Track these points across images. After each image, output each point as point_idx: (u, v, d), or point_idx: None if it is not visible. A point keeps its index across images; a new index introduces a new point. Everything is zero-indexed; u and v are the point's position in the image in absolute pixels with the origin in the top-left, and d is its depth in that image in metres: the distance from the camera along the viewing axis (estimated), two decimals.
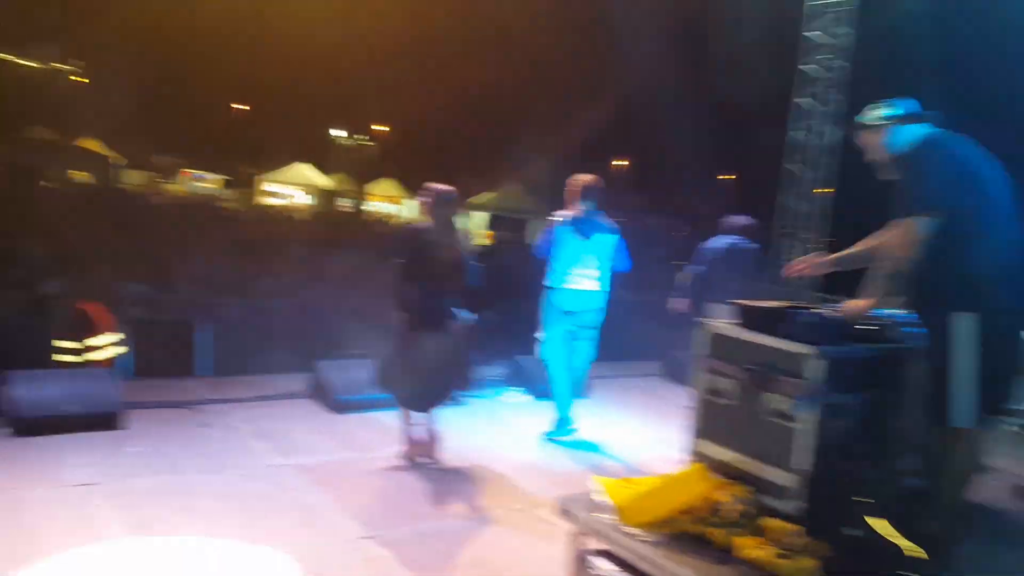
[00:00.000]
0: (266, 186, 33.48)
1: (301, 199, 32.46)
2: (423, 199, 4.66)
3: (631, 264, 5.66)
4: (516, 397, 6.29)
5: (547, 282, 5.47)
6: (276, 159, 33.79)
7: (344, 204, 30.42)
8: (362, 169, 31.02)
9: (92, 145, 28.38)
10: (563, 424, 5.45)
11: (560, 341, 5.48)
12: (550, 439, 5.43)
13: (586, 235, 5.42)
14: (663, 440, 5.55)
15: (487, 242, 23.80)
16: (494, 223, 26.56)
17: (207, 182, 35.60)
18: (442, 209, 4.57)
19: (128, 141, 33.00)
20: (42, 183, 21.33)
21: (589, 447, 5.35)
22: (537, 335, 5.57)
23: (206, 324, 8.32)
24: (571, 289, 5.38)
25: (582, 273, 5.40)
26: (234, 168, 37.77)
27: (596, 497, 3.58)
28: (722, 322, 3.85)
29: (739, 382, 3.67)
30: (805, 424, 3.45)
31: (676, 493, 3.72)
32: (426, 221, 4.60)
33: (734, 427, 3.79)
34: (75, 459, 4.15)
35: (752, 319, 3.68)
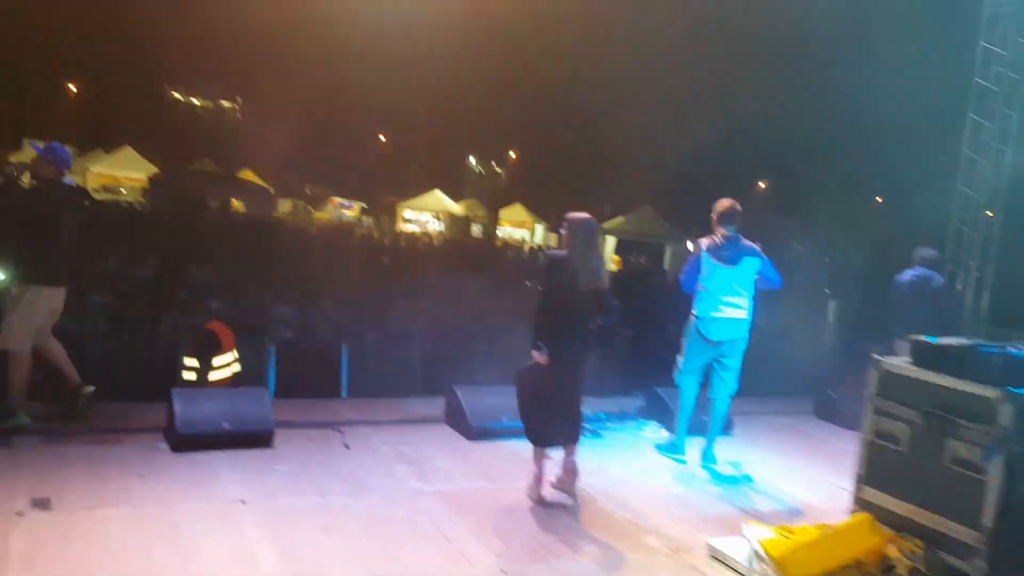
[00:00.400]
0: (406, 212, 34.89)
1: (435, 225, 33.54)
2: (562, 229, 4.57)
3: (781, 280, 5.37)
4: (655, 431, 6.04)
5: (692, 310, 5.29)
6: (415, 186, 35.23)
7: (476, 230, 31.12)
8: (493, 195, 31.66)
9: (250, 176, 30.68)
10: (676, 448, 5.43)
11: (699, 370, 5.33)
12: (658, 449, 5.52)
13: (731, 261, 5.19)
14: (818, 485, 5.17)
15: (614, 268, 23.53)
16: (621, 248, 26.23)
17: (352, 210, 37.55)
18: (581, 239, 4.45)
19: (281, 172, 35.51)
20: (206, 212, 23.27)
21: (735, 486, 5.04)
22: (677, 363, 5.38)
23: (346, 346, 8.63)
24: (717, 317, 5.17)
25: (728, 301, 5.17)
26: (377, 195, 39.67)
27: (752, 546, 3.32)
28: (897, 360, 3.49)
29: (915, 426, 3.31)
30: (994, 476, 3.05)
31: (842, 546, 3.41)
32: (565, 251, 4.50)
33: (908, 475, 3.43)
34: (229, 475, 4.34)
35: (932, 357, 3.31)
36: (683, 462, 5.37)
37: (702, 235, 5.45)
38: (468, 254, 20.66)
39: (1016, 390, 3.06)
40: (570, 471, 4.44)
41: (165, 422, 4.77)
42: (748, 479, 5.17)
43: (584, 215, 4.53)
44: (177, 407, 4.69)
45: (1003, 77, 8.95)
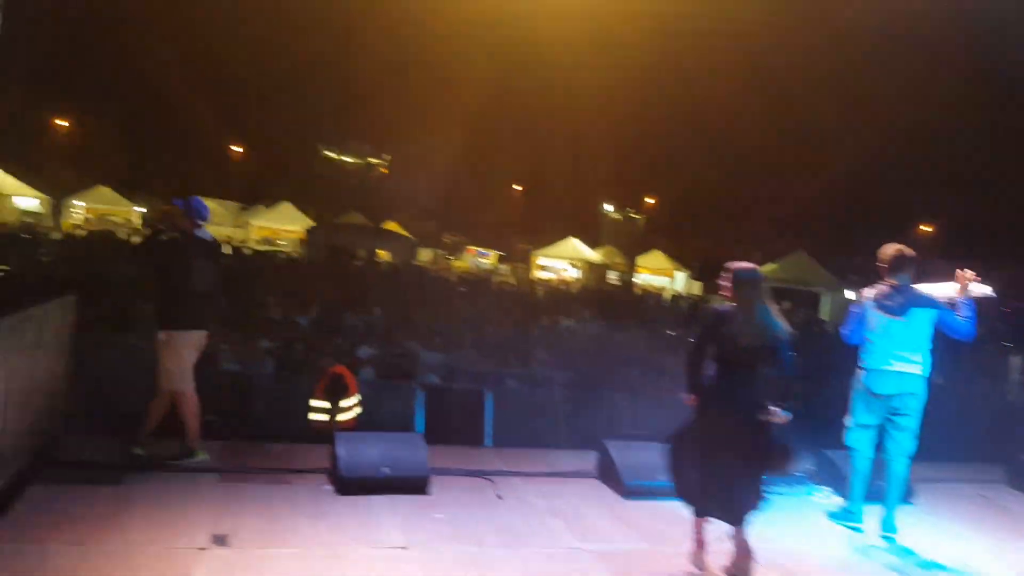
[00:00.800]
0: (541, 260, 35.31)
1: (571, 272, 33.65)
2: (723, 281, 4.30)
3: (970, 330, 4.77)
4: (826, 497, 5.56)
5: (859, 363, 4.90)
6: (550, 234, 35.64)
7: (613, 277, 30.93)
8: (631, 241, 31.44)
9: (394, 227, 32.23)
10: (851, 515, 5.02)
11: (870, 428, 4.93)
12: (831, 517, 5.12)
13: (901, 312, 4.77)
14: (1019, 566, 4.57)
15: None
16: (774, 296, 25.05)
17: (489, 258, 38.51)
18: (746, 289, 4.18)
19: (422, 222, 37.07)
20: (355, 261, 24.58)
21: (921, 564, 4.54)
22: (846, 421, 4.98)
23: (491, 393, 8.67)
24: (886, 371, 4.78)
25: (898, 354, 4.77)
26: (512, 244, 40.48)
27: None
28: None
29: None
30: None
31: None
32: (729, 304, 4.17)
33: None
34: (391, 520, 4.42)
35: None
36: (860, 531, 4.92)
37: (868, 285, 5.08)
38: (605, 301, 20.51)
39: None
40: (741, 551, 3.92)
41: (329, 464, 4.95)
42: (932, 561, 4.62)
43: (747, 264, 4.23)
44: (340, 451, 4.86)
45: None
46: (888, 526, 4.82)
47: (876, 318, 4.85)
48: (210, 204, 5.83)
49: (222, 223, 27.05)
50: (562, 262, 35.17)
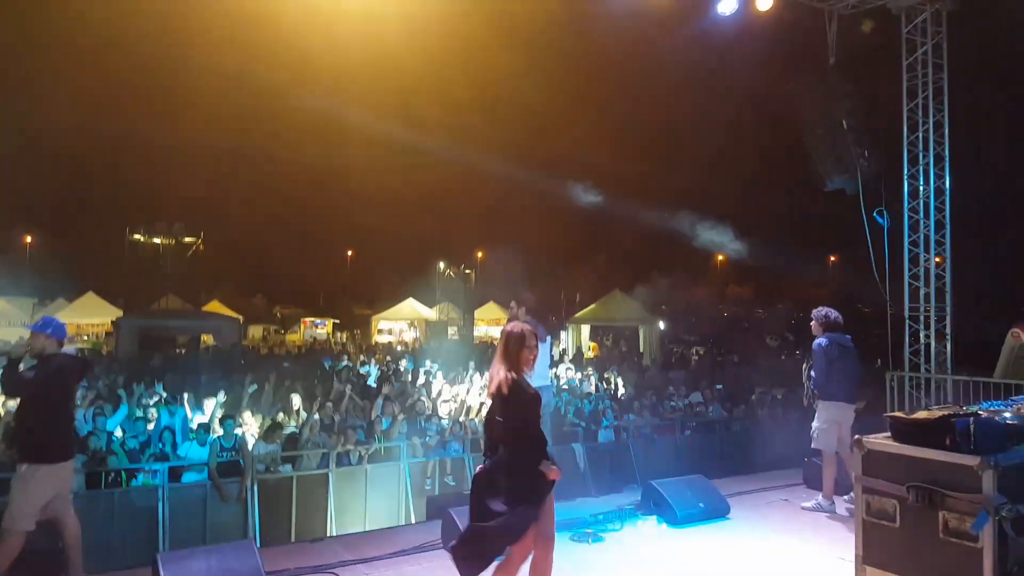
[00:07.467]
0: (381, 324, 34.99)
1: (410, 334, 33.62)
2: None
3: None
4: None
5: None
6: (387, 298, 35.46)
7: (452, 332, 31.25)
8: (467, 296, 31.97)
9: (216, 307, 30.61)
10: None
11: None
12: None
13: None
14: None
15: (592, 354, 23.62)
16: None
17: (324, 327, 37.57)
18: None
19: (247, 298, 35.52)
20: (178, 349, 23.02)
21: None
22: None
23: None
24: None
25: None
26: (350, 310, 39.72)
27: None
28: (877, 438, 3.56)
29: (905, 502, 3.35)
30: (987, 542, 3.09)
31: None
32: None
33: (906, 551, 3.44)
34: None
35: (908, 431, 3.39)
36: None
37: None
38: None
39: (998, 456, 3.14)
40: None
41: None
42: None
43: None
44: (164, 572, 4.51)
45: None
46: None
47: None
48: None
49: (12, 324, 24.46)
50: (402, 323, 35.07)
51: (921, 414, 3.44)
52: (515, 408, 3.73)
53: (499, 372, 3.78)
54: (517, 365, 3.80)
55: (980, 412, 3.45)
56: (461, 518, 5.51)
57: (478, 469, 3.87)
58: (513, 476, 3.67)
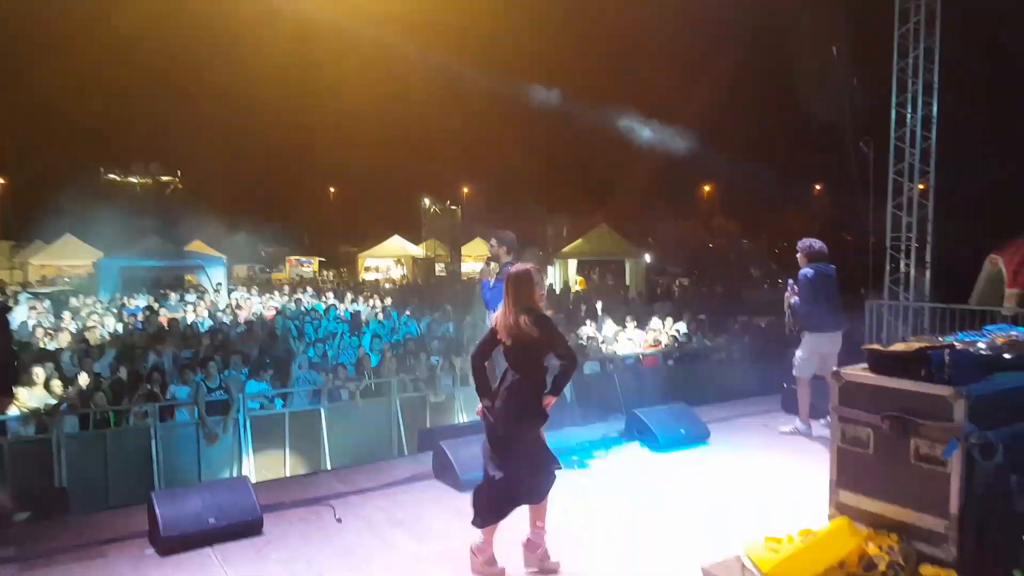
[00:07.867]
0: (367, 261, 34.88)
1: (396, 271, 33.59)
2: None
3: None
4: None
5: None
6: (374, 235, 35.22)
7: (440, 269, 31.27)
8: (453, 232, 31.86)
9: (199, 247, 30.31)
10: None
11: None
12: None
13: None
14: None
15: (580, 287, 23.77)
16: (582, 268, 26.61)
17: (311, 266, 37.44)
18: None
19: (231, 237, 35.18)
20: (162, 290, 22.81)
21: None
22: None
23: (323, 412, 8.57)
24: None
25: None
26: (336, 248, 39.41)
27: (744, 563, 3.43)
28: (853, 369, 3.66)
29: (879, 430, 3.47)
30: (956, 468, 3.23)
31: (825, 551, 3.53)
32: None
33: (878, 476, 3.58)
34: (219, 572, 4.27)
35: (884, 363, 3.48)
36: None
37: None
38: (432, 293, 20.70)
39: (969, 386, 3.24)
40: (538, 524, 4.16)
41: (149, 526, 4.69)
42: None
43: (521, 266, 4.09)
44: (159, 510, 4.60)
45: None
46: None
47: None
48: None
49: None
50: (388, 260, 35.01)
51: (898, 346, 3.52)
52: (556, 336, 3.93)
53: (519, 318, 3.84)
54: (533, 303, 3.92)
55: (955, 343, 3.55)
56: (452, 450, 5.67)
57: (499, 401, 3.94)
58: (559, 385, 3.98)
